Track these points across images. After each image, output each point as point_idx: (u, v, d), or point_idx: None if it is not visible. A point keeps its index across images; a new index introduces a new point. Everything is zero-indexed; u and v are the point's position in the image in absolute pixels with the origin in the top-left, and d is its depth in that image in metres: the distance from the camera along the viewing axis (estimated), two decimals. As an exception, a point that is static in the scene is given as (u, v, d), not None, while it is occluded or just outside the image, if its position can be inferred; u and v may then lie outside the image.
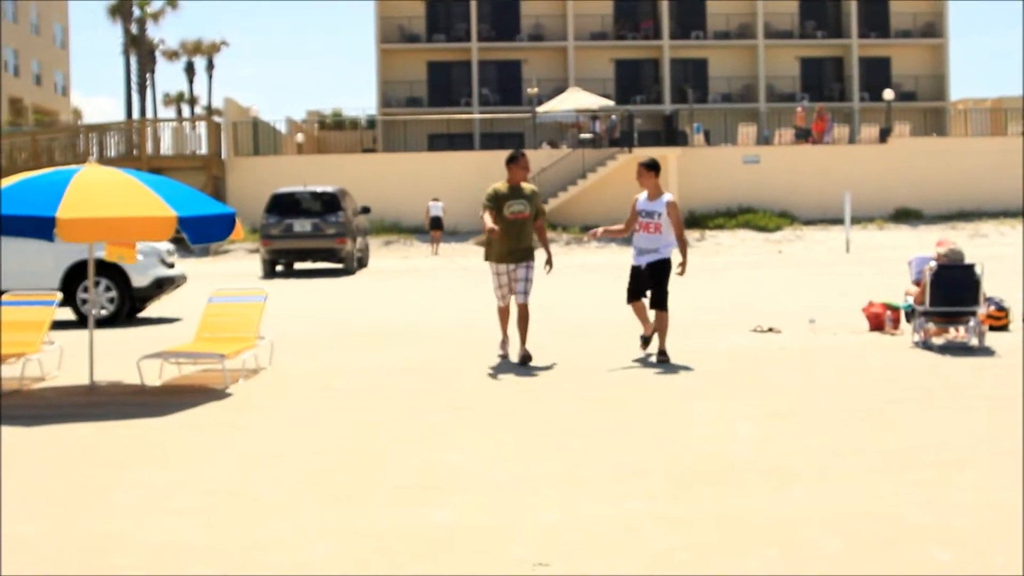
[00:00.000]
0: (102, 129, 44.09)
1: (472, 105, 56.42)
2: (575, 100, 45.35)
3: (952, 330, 13.48)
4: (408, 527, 6.17)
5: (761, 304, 18.74)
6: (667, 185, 37.43)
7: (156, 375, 11.83)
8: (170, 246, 19.24)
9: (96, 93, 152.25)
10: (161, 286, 18.37)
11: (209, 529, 6.22)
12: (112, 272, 17.65)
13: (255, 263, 33.57)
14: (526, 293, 12.47)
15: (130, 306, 18.14)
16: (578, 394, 10.39)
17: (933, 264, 12.96)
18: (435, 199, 38.98)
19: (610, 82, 57.35)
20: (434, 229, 38.25)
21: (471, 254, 36.15)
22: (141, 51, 70.46)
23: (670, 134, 44.68)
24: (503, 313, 12.75)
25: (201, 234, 10.89)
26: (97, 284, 17.61)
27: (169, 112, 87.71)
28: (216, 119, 46.94)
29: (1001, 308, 14.49)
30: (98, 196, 10.45)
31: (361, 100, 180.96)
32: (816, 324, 15.16)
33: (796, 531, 5.97)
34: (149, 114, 71.19)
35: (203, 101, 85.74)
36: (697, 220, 41.67)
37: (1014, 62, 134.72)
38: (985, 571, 5.34)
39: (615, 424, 8.98)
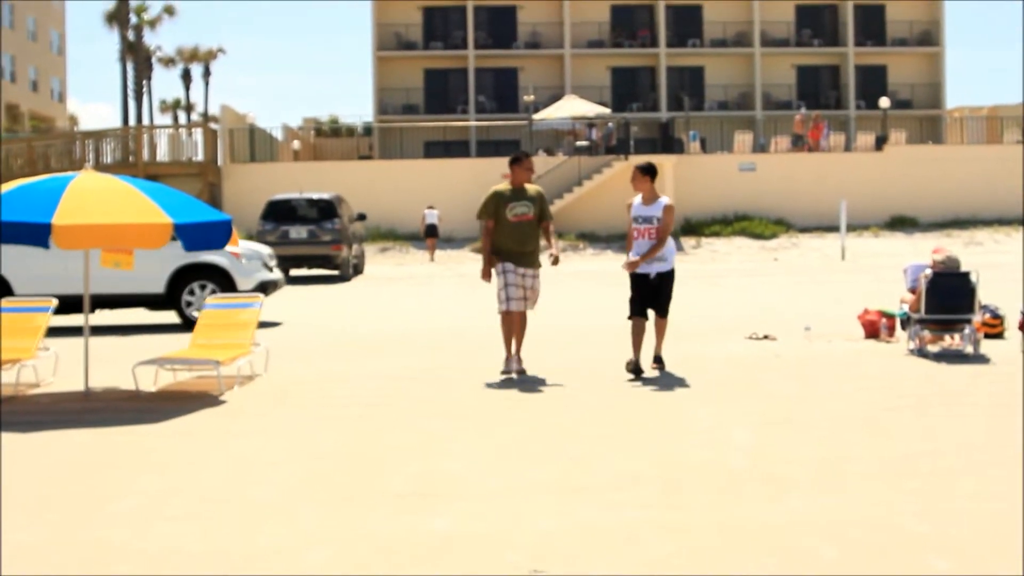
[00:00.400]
0: (98, 136, 44.06)
1: (468, 112, 56.45)
2: (571, 108, 45.38)
3: (947, 338, 13.49)
4: (406, 534, 6.16)
5: (757, 311, 18.74)
6: (663, 192, 37.44)
7: (151, 381, 11.82)
8: (270, 250, 19.73)
9: (93, 100, 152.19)
10: (264, 289, 18.54)
11: (205, 536, 6.21)
12: (218, 276, 17.99)
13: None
14: (530, 300, 11.83)
15: None
16: (574, 401, 10.38)
17: (928, 272, 12.98)
18: (430, 207, 39.07)
19: (606, 90, 57.38)
20: (429, 237, 38.38)
21: (467, 261, 36.16)
22: (138, 58, 70.44)
23: (666, 142, 44.71)
24: (507, 320, 11.74)
25: (197, 241, 10.89)
26: (203, 287, 17.99)
27: (165, 119, 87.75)
28: (212, 126, 46.89)
29: (996, 316, 14.51)
30: (94, 203, 10.43)
31: (357, 107, 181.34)
32: (811, 331, 15.17)
33: (793, 539, 5.96)
34: (145, 121, 71.11)
35: (199, 108, 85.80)
36: (693, 227, 41.70)
37: (1010, 70, 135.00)
38: (982, 579, 5.34)
39: (611, 431, 8.97)
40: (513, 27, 58.33)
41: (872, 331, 14.58)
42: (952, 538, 5.94)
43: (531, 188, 11.84)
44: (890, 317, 14.55)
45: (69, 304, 16.56)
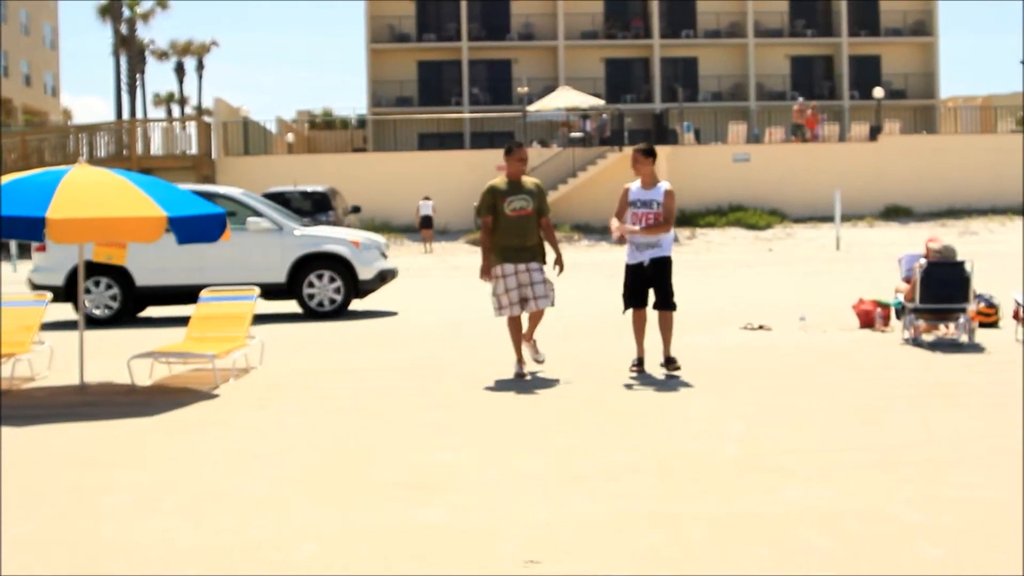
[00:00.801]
0: (92, 129, 44.01)
1: (462, 104, 56.41)
2: (565, 99, 45.35)
3: (942, 327, 13.50)
4: (399, 526, 6.17)
5: (751, 302, 18.75)
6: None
7: (147, 375, 11.82)
8: (385, 239, 19.94)
9: (86, 93, 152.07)
10: (384, 278, 18.63)
11: (199, 529, 6.21)
12: (339, 265, 17.99)
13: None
14: (547, 296, 11.18)
15: (346, 299, 18.19)
16: (568, 392, 10.39)
17: (923, 261, 12.99)
18: (426, 197, 39.13)
19: (600, 81, 57.37)
20: (424, 228, 38.44)
21: (461, 253, 36.16)
22: (131, 51, 70.25)
23: (660, 133, 44.74)
24: (513, 324, 11.33)
25: (191, 234, 10.87)
26: (321, 277, 18.00)
27: (159, 112, 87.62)
28: (206, 119, 46.86)
29: (991, 305, 14.53)
30: (88, 196, 10.42)
31: (351, 100, 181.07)
32: (806, 321, 15.19)
33: (787, 529, 5.97)
34: (139, 114, 70.93)
35: (193, 101, 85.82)
36: (688, 218, 41.72)
37: (1004, 60, 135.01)
38: (976, 568, 5.35)
39: (605, 422, 8.98)
40: (506, 19, 58.29)
41: (867, 321, 14.60)
42: (946, 527, 5.95)
43: (528, 181, 11.37)
44: (885, 307, 14.56)
45: (186, 295, 16.86)
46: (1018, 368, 11.16)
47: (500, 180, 11.37)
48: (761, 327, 14.88)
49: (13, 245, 35.19)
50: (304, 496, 6.86)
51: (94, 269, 17.34)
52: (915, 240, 34.24)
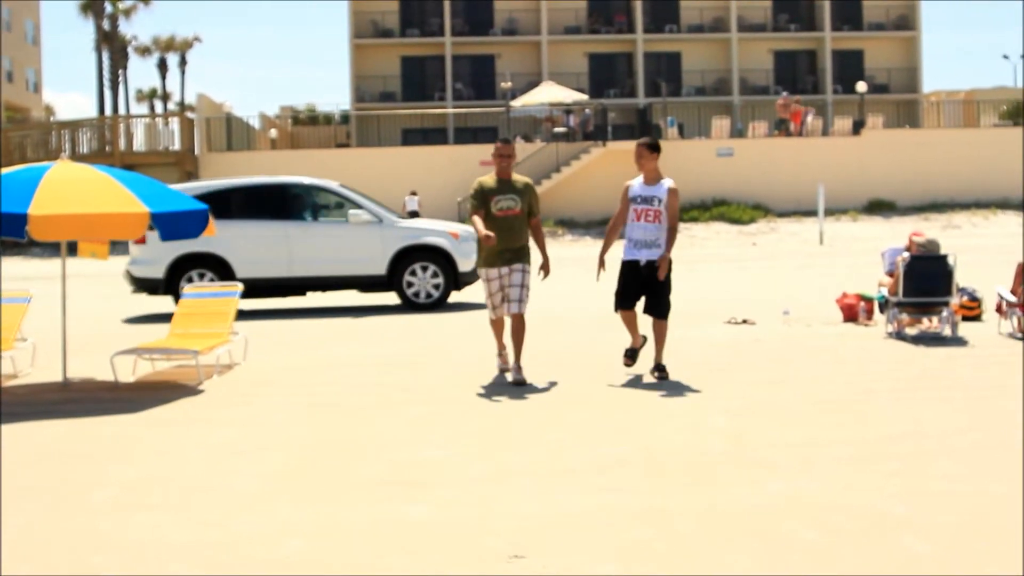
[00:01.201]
0: (74, 126, 43.84)
1: (446, 100, 56.33)
2: (549, 94, 45.34)
3: (925, 320, 13.53)
4: (385, 522, 6.15)
5: (735, 296, 18.78)
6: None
7: (130, 371, 11.78)
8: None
9: (68, 89, 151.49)
10: None
11: (184, 525, 6.19)
12: (439, 257, 17.96)
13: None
14: (521, 301, 10.69)
15: (446, 291, 18.12)
16: (554, 387, 10.39)
17: (906, 255, 13.01)
18: (412, 192, 39.09)
19: (584, 76, 57.35)
20: (411, 223, 38.40)
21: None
22: (113, 47, 70.07)
23: (644, 127, 44.67)
24: (496, 326, 11.14)
25: (174, 230, 10.83)
26: (424, 269, 17.97)
27: (142, 108, 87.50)
28: (189, 115, 46.71)
29: (974, 298, 14.57)
30: (70, 193, 10.38)
31: (335, 95, 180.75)
32: (790, 315, 15.22)
33: (773, 522, 5.98)
34: (122, 110, 70.79)
35: (176, 97, 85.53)
36: (672, 213, 41.67)
37: (986, 54, 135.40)
38: (961, 560, 5.36)
39: (592, 417, 8.98)
40: (490, 14, 58.23)
41: (851, 315, 14.63)
42: (931, 520, 5.97)
43: (519, 180, 10.93)
44: (868, 300, 14.60)
45: (284, 287, 17.12)
46: (1001, 361, 11.20)
47: (489, 178, 10.92)
48: (745, 321, 14.90)
49: None
50: (289, 492, 6.84)
51: (193, 262, 17.43)
52: (898, 234, 34.34)
